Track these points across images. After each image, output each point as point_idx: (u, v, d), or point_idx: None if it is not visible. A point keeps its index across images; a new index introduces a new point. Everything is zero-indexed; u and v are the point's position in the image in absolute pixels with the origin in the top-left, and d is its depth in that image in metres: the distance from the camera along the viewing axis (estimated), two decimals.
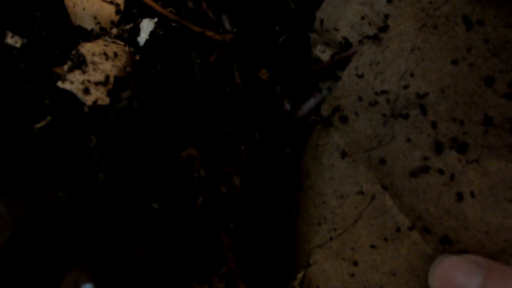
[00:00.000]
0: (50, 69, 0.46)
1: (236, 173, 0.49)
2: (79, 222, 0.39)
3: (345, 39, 0.48)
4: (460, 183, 0.39)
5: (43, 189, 0.38)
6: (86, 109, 0.43)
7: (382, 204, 0.43)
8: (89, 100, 0.43)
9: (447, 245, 0.40)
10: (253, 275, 0.51)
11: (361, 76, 0.45)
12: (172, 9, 0.56)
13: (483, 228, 0.39)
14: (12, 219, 0.36)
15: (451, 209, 0.40)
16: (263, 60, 0.60)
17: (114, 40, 0.51)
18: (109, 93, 0.44)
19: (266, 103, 0.57)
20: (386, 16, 0.45)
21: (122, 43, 0.51)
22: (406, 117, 0.42)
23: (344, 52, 0.48)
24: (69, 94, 0.44)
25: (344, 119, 0.46)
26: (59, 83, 0.44)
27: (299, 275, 0.47)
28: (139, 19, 0.53)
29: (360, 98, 0.44)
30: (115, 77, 0.45)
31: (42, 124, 0.42)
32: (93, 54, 0.47)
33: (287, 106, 0.54)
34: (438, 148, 0.40)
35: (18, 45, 0.47)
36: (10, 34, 0.47)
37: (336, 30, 0.49)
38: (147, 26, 0.52)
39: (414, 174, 0.41)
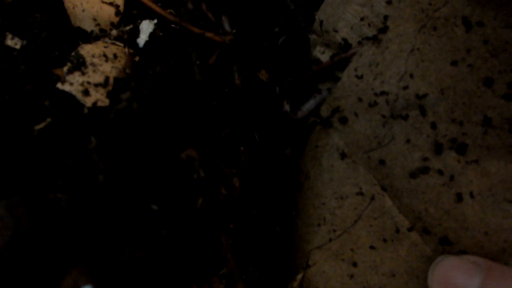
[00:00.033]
0: (50, 70, 0.46)
1: (235, 174, 0.49)
2: (78, 224, 0.39)
3: (345, 40, 0.48)
4: (459, 184, 0.39)
5: (43, 191, 0.38)
6: (86, 111, 0.43)
7: (382, 205, 0.43)
8: (88, 101, 0.43)
9: (447, 245, 0.40)
10: (253, 276, 0.51)
11: (360, 77, 0.45)
12: (171, 10, 0.56)
13: (483, 228, 0.39)
14: (12, 220, 0.36)
15: (451, 209, 0.40)
16: (262, 61, 0.60)
17: (113, 41, 0.51)
18: (108, 95, 0.44)
19: (265, 104, 0.57)
20: (386, 17, 0.45)
21: (122, 45, 0.51)
22: (405, 118, 0.42)
23: (343, 53, 0.48)
24: (68, 95, 0.44)
25: (343, 120, 0.46)
26: (59, 85, 0.44)
27: (299, 276, 0.47)
28: (139, 21, 0.53)
29: (360, 99, 0.45)
30: (115, 79, 0.46)
31: (41, 125, 0.42)
32: (93, 56, 0.47)
33: (287, 107, 0.54)
34: (438, 149, 0.40)
35: (17, 46, 0.47)
36: (10, 36, 0.47)
37: (336, 31, 0.49)
38: (146, 27, 0.52)
39: (413, 175, 0.41)
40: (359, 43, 0.47)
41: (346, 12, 0.48)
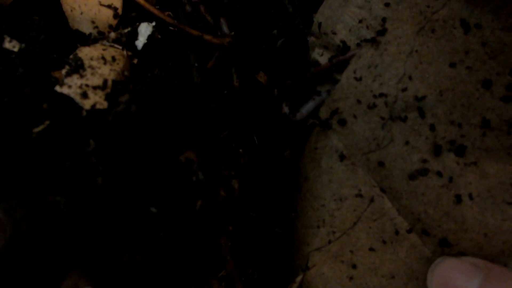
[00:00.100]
0: (48, 73, 0.46)
1: (234, 176, 0.49)
2: (77, 226, 0.39)
3: (343, 42, 0.48)
4: (458, 186, 0.39)
5: (42, 194, 0.38)
6: (84, 113, 0.43)
7: (381, 207, 0.43)
8: (87, 104, 0.43)
9: (446, 247, 0.40)
10: (252, 278, 0.51)
11: (359, 79, 0.45)
12: (170, 13, 0.56)
13: (482, 230, 0.39)
14: (10, 223, 0.36)
15: (450, 211, 0.40)
16: (261, 64, 0.60)
17: (112, 44, 0.51)
18: (107, 97, 0.44)
19: (264, 106, 0.57)
20: (384, 20, 0.45)
21: (120, 47, 0.51)
22: (404, 120, 0.42)
23: (342, 55, 0.48)
24: (67, 98, 0.44)
25: (342, 122, 0.46)
26: (57, 88, 0.44)
27: (298, 278, 0.47)
28: (137, 23, 0.53)
29: (359, 101, 0.45)
30: (113, 81, 0.45)
31: (40, 128, 0.42)
32: (91, 58, 0.46)
33: (286, 109, 0.54)
34: (437, 150, 0.40)
35: (16, 49, 0.47)
36: (8, 39, 0.47)
37: (334, 33, 0.49)
38: (145, 30, 0.52)
39: (412, 176, 0.41)
40: (358, 45, 0.47)
41: (344, 14, 0.48)
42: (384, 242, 0.43)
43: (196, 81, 0.53)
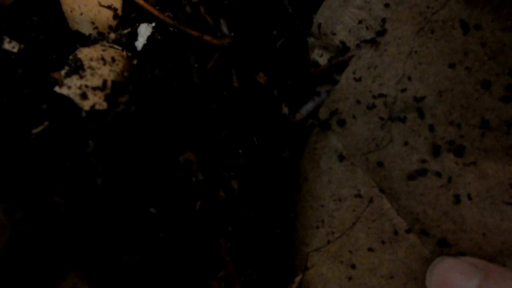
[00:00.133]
0: (48, 74, 0.46)
1: (234, 177, 0.49)
2: (77, 227, 0.39)
3: (343, 43, 0.48)
4: (457, 186, 0.39)
5: (41, 195, 0.38)
6: (84, 114, 0.43)
7: (380, 207, 0.43)
8: (86, 105, 0.43)
9: (445, 247, 0.40)
10: (251, 278, 0.51)
11: (359, 80, 0.45)
12: (170, 13, 0.57)
13: (481, 230, 0.39)
14: (9, 224, 0.36)
15: (449, 211, 0.40)
16: (261, 64, 0.60)
17: (111, 45, 0.51)
18: (106, 98, 0.44)
19: (264, 107, 0.57)
20: (384, 20, 0.45)
21: (120, 48, 0.51)
22: (403, 120, 0.42)
23: (341, 56, 0.48)
24: (66, 99, 0.44)
25: (342, 123, 0.46)
26: (57, 88, 0.44)
27: (297, 279, 0.47)
28: (137, 24, 0.53)
29: (358, 102, 0.45)
30: (113, 82, 0.45)
31: (39, 129, 0.42)
32: (91, 59, 0.47)
33: (285, 110, 0.54)
34: (436, 151, 0.40)
35: (15, 50, 0.47)
36: (7, 39, 0.47)
37: (334, 34, 0.49)
38: (145, 30, 0.52)
39: (411, 177, 0.41)
40: (357, 46, 0.47)
41: (344, 15, 0.48)
42: (383, 242, 0.43)
43: (196, 82, 0.53)
